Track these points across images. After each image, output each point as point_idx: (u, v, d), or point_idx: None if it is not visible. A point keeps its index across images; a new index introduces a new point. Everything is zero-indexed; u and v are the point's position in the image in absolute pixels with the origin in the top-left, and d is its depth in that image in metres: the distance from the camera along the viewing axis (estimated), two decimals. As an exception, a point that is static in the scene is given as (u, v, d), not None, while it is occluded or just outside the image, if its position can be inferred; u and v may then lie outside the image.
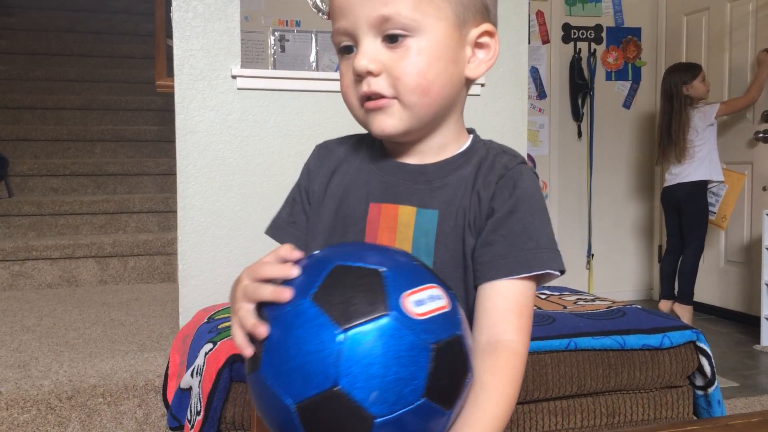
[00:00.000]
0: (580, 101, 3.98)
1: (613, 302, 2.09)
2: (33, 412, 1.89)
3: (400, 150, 0.80)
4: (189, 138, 2.02)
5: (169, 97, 4.64)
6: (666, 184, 3.42)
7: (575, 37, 3.96)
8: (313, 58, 3.86)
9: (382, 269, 0.61)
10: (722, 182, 3.38)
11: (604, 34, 3.99)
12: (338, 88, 2.21)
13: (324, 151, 0.87)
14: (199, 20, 1.99)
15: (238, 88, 2.03)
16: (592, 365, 1.80)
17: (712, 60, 3.68)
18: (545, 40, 3.90)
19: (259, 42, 3.82)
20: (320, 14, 3.83)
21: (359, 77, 0.73)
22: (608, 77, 4.03)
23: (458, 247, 0.75)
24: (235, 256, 2.05)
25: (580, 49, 3.96)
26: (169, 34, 4.23)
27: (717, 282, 3.66)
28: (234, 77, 2.02)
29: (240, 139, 2.04)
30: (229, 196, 2.05)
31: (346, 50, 0.76)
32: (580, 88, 3.97)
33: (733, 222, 3.56)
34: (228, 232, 2.05)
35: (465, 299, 0.76)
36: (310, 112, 2.10)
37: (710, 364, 1.78)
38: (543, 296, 2.18)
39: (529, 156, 3.31)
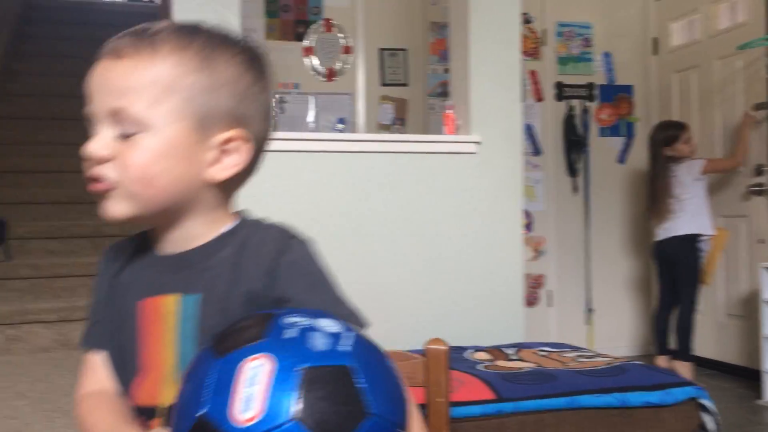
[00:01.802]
0: (574, 157, 4.03)
1: (615, 359, 2.07)
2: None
3: (160, 241, 0.81)
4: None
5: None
6: (656, 239, 3.43)
7: (568, 95, 4.05)
8: (311, 118, 3.93)
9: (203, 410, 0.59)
10: (711, 236, 3.40)
11: (596, 92, 4.08)
12: (336, 149, 2.22)
13: (111, 254, 0.88)
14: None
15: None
16: (593, 424, 1.77)
17: (703, 116, 3.75)
18: (539, 98, 3.98)
19: (257, 104, 3.89)
20: (318, 77, 3.92)
21: (86, 157, 0.75)
22: (602, 133, 4.10)
23: (216, 322, 0.74)
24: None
25: (573, 107, 4.04)
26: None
27: (716, 336, 3.63)
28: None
29: (254, 200, 2.07)
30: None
31: (93, 131, 0.78)
32: (575, 144, 4.02)
33: (730, 275, 3.56)
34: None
35: None
36: (309, 172, 2.12)
37: (715, 421, 1.75)
38: (543, 353, 2.16)
39: (526, 212, 3.33)
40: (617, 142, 4.13)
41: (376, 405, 0.59)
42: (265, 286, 0.75)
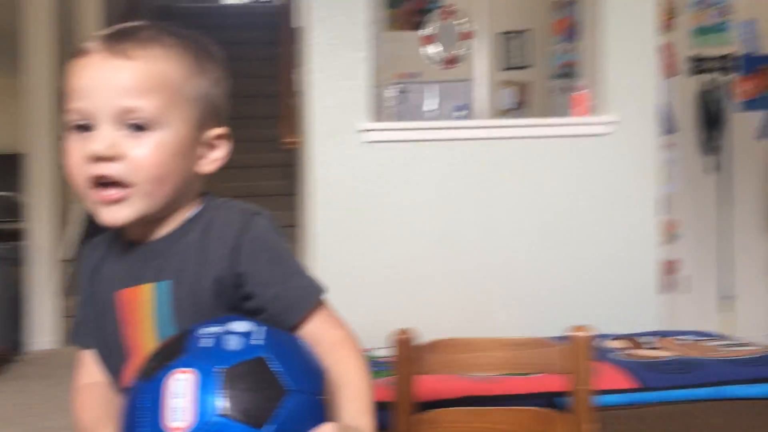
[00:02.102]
0: (711, 134, 3.80)
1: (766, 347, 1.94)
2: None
3: (133, 232, 0.83)
4: (322, 191, 2.11)
5: (291, 153, 4.88)
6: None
7: (703, 68, 3.81)
8: (431, 107, 3.95)
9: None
10: None
11: (735, 63, 3.81)
12: (462, 136, 2.22)
13: (87, 251, 0.91)
14: (332, 80, 2.11)
15: (366, 142, 2.11)
16: (744, 415, 1.68)
17: None
18: (671, 73, 3.78)
19: (379, 95, 3.95)
20: (437, 65, 3.93)
21: (93, 159, 0.75)
22: (742, 108, 3.83)
23: (199, 312, 0.77)
24: (366, 302, 2.10)
25: (709, 81, 3.80)
26: (294, 95, 4.48)
27: None
28: (362, 131, 2.11)
29: (369, 192, 2.12)
30: (360, 245, 2.11)
31: (80, 128, 0.78)
32: (711, 120, 3.79)
33: None
34: (361, 281, 2.10)
35: None
36: (435, 161, 2.14)
37: None
38: (685, 342, 2.06)
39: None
40: (759, 116, 3.84)
41: (293, 382, 0.65)
42: (229, 264, 0.79)
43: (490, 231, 2.12)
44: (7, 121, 4.24)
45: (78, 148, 0.77)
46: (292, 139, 3.83)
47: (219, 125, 0.85)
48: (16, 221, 5.99)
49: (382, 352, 1.90)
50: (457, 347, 1.23)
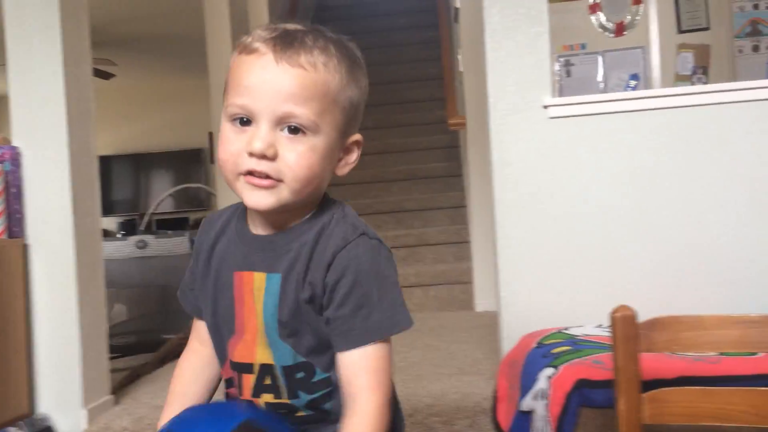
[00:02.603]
0: None
1: None
2: (381, 428, 2.08)
3: (257, 221, 0.90)
4: (504, 170, 2.10)
5: (454, 135, 4.90)
6: None
7: None
8: (600, 78, 3.78)
9: None
10: None
11: None
12: (651, 106, 2.09)
13: (206, 226, 0.97)
14: (511, 58, 2.08)
15: (550, 117, 2.06)
16: None
17: None
18: None
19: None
20: (607, 33, 3.75)
21: (252, 155, 0.81)
22: None
23: (298, 308, 0.86)
24: (556, 281, 2.07)
25: None
26: (457, 77, 4.48)
27: None
28: (545, 107, 2.06)
29: (554, 168, 2.07)
30: (545, 224, 2.08)
31: (240, 121, 0.83)
32: None
33: None
34: (546, 259, 2.07)
35: (315, 347, 0.88)
36: (624, 133, 2.05)
37: None
38: None
39: None
40: None
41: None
42: (323, 275, 0.85)
43: (689, 204, 2.00)
44: (203, 120, 4.61)
45: (236, 140, 0.83)
46: (458, 121, 3.83)
47: (356, 131, 0.91)
48: (207, 210, 6.51)
49: (578, 330, 1.87)
50: (682, 325, 1.17)
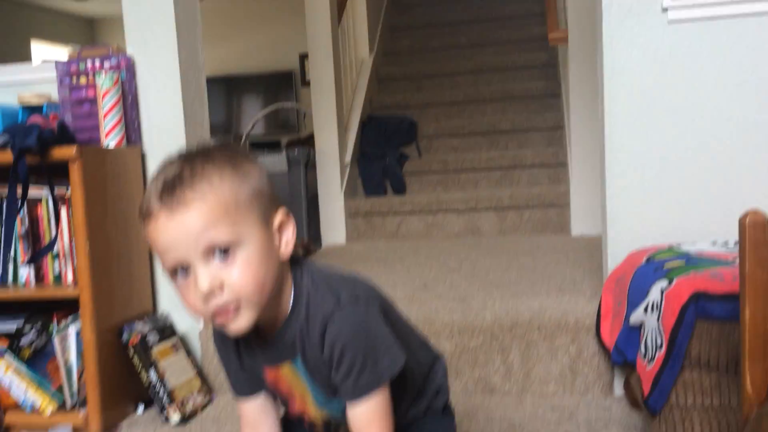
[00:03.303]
0: None
1: None
2: (480, 339, 2.12)
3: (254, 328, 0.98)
4: (616, 79, 2.00)
5: (552, 53, 4.71)
6: None
7: None
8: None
9: None
10: None
11: None
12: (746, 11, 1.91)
13: (221, 340, 1.11)
14: (628, -43, 1.95)
15: (669, 21, 1.94)
16: None
17: None
18: None
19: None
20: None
21: (206, 296, 0.90)
22: None
23: (322, 371, 1.02)
24: (665, 197, 1.99)
25: None
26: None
27: None
28: (665, 10, 1.94)
29: (672, 76, 1.96)
30: (658, 136, 1.99)
31: (182, 271, 0.91)
32: None
33: None
34: (657, 172, 1.99)
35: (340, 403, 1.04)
36: (750, 38, 1.91)
37: None
38: None
39: None
40: None
41: None
42: (320, 343, 0.99)
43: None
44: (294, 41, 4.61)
45: (189, 290, 0.92)
46: (559, 35, 3.67)
47: (277, 209, 0.97)
48: (298, 132, 6.59)
49: (690, 247, 1.81)
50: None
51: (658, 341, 1.46)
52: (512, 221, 3.97)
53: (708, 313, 1.38)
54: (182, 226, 0.89)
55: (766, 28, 1.90)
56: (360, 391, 1.00)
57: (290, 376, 1.05)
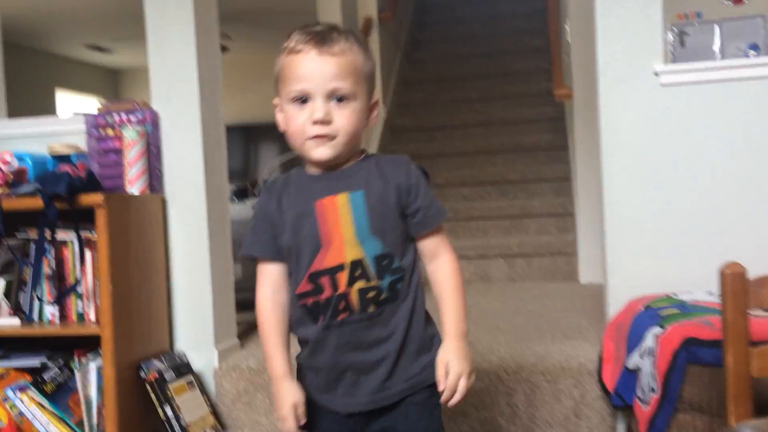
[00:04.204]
0: None
1: None
2: (486, 381, 2.18)
3: (320, 168, 1.22)
4: (612, 137, 2.12)
5: (559, 107, 4.85)
6: None
7: None
8: (717, 48, 3.65)
9: None
10: None
11: None
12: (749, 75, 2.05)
13: (268, 189, 1.27)
14: (622, 24, 2.09)
15: (662, 84, 2.06)
16: None
17: None
18: None
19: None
20: (725, 1, 3.60)
21: (315, 122, 1.15)
22: None
23: (384, 210, 1.19)
24: (663, 248, 2.08)
25: None
26: (563, 47, 4.42)
27: None
28: (657, 74, 2.06)
29: (664, 135, 2.07)
30: (655, 190, 2.09)
31: (300, 101, 1.16)
32: None
33: None
34: (655, 225, 2.09)
35: (399, 240, 1.21)
36: (741, 101, 2.02)
37: None
38: None
39: None
40: None
41: None
42: (406, 179, 1.20)
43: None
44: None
45: (300, 115, 1.16)
46: (564, 92, 3.82)
47: (373, 93, 1.24)
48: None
49: (687, 296, 1.88)
50: (795, 281, 1.19)
51: (653, 385, 1.53)
52: (521, 268, 4.04)
53: (698, 358, 1.46)
54: (324, 67, 1.15)
55: (754, 92, 2.01)
56: (431, 221, 1.22)
57: (343, 206, 1.19)
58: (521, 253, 4.01)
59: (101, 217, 2.07)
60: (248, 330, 2.82)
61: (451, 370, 1.17)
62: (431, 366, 1.20)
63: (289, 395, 1.21)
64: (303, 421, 1.21)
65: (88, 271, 2.20)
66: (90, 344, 2.16)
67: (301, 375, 1.27)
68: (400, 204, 1.19)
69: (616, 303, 2.11)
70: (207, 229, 2.39)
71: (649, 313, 1.77)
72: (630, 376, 1.74)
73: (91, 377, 2.13)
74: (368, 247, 1.18)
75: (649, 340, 1.61)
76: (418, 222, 1.21)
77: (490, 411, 2.19)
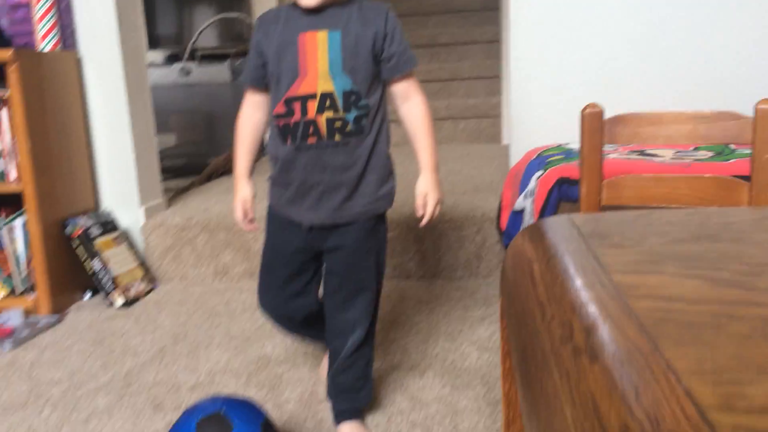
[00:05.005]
0: None
1: None
2: (398, 231, 2.35)
3: (306, 6, 1.30)
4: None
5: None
6: None
7: None
8: None
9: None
10: None
11: None
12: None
13: (260, 22, 1.37)
14: None
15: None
16: None
17: None
18: None
19: None
20: None
21: None
22: None
23: (358, 51, 1.29)
24: (560, 103, 2.21)
25: None
26: None
27: None
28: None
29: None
30: (557, 46, 2.18)
31: None
32: None
33: None
34: (553, 80, 2.20)
35: (368, 80, 1.31)
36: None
37: None
38: None
39: None
40: None
41: (238, 424, 1.14)
42: (384, 25, 1.29)
43: (696, 33, 2.07)
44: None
45: None
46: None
47: None
48: (247, 43, 6.53)
49: (576, 145, 2.03)
50: (643, 120, 1.33)
51: (530, 221, 1.70)
52: (448, 131, 4.17)
53: (569, 195, 1.62)
54: None
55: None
56: (404, 66, 1.34)
57: (322, 42, 1.30)
58: (448, 116, 4.12)
59: (13, 74, 2.07)
60: (178, 195, 2.90)
61: (429, 200, 1.40)
62: (384, 200, 1.42)
63: (241, 190, 1.43)
64: (251, 216, 1.44)
65: (5, 129, 2.21)
66: (14, 203, 2.23)
67: (272, 192, 1.44)
68: (375, 48, 1.30)
69: (518, 155, 2.25)
70: (124, 88, 2.40)
71: (539, 160, 1.92)
72: (517, 216, 1.91)
73: (17, 233, 2.21)
74: (339, 82, 1.29)
75: (532, 182, 1.77)
76: (392, 66, 1.33)
77: (402, 257, 2.38)
